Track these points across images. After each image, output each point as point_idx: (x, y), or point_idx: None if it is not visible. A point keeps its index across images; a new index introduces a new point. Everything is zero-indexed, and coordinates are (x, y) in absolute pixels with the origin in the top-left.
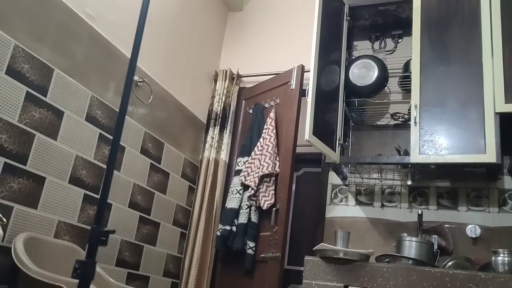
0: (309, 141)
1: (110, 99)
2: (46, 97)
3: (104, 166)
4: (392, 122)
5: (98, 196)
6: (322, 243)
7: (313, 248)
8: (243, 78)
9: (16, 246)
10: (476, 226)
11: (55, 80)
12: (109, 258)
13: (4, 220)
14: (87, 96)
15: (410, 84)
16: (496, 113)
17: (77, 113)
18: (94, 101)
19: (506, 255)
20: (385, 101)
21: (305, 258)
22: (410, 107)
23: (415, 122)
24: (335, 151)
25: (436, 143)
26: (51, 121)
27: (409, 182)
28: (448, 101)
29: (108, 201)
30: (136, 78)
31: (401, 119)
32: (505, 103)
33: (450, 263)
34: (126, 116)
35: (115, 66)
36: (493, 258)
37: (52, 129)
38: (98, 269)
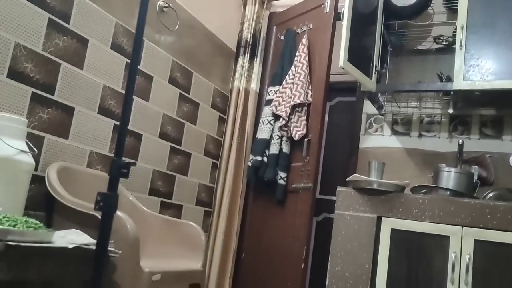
0: (343, 68)
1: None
2: (69, 24)
3: (133, 97)
4: (435, 46)
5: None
6: (355, 174)
7: (346, 179)
8: (273, 2)
9: (50, 176)
10: None
11: (77, 5)
12: (142, 187)
13: (35, 150)
14: (111, 23)
15: (457, 3)
16: None
17: (102, 41)
18: (118, 28)
19: None
20: (427, 23)
21: (338, 188)
22: (455, 29)
23: (460, 45)
24: (371, 79)
25: (482, 67)
26: (76, 50)
27: (450, 111)
28: (498, 21)
29: (138, 131)
30: (161, 3)
31: (444, 43)
32: None
33: (490, 194)
34: (152, 44)
35: None
36: None
37: (77, 58)
38: (131, 197)
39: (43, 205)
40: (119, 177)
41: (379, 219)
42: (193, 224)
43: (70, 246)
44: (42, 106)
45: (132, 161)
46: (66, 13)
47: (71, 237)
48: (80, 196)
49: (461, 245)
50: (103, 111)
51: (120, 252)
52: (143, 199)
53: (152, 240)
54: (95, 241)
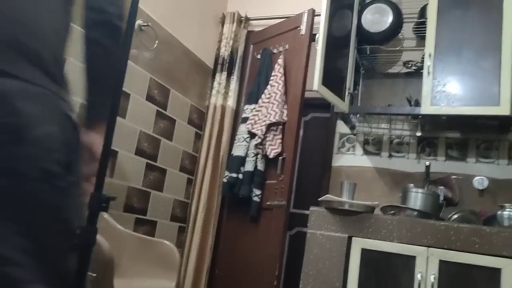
0: (318, 91)
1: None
2: None
3: None
4: (404, 70)
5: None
6: (327, 195)
7: (319, 199)
8: (251, 22)
9: None
10: (484, 178)
11: None
12: (117, 204)
13: None
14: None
15: (425, 30)
16: None
17: (77, 59)
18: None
19: None
20: (398, 48)
21: (310, 208)
22: (423, 55)
23: (428, 72)
24: (344, 101)
25: (448, 94)
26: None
27: (418, 133)
28: (463, 49)
29: (115, 148)
30: (140, 21)
31: (413, 68)
32: None
33: (455, 216)
34: (130, 62)
35: None
36: (499, 212)
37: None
38: (106, 215)
39: None
40: (99, 211)
41: (349, 238)
42: (168, 243)
43: None
44: None
45: (113, 196)
46: None
47: None
48: None
49: (427, 265)
50: None
51: (94, 275)
52: (118, 216)
53: (126, 259)
54: None
